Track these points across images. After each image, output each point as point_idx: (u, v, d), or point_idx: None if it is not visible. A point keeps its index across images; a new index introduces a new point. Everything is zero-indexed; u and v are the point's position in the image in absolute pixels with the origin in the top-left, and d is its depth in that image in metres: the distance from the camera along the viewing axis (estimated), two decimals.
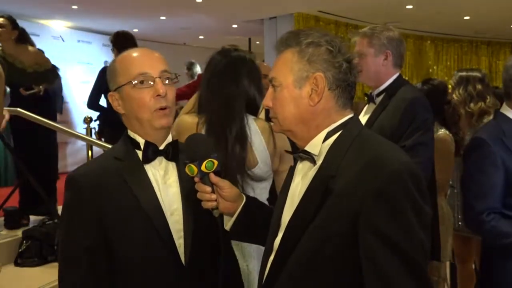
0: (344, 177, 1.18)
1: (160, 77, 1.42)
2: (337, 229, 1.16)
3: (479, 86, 3.19)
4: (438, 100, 3.05)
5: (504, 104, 2.08)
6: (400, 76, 2.48)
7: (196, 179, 1.38)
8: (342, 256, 1.17)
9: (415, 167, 1.19)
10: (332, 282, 1.18)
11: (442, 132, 3.06)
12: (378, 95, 2.46)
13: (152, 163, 1.46)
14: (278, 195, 1.45)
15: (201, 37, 11.16)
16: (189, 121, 2.11)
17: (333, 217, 1.17)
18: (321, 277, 1.19)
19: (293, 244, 1.23)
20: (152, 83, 1.41)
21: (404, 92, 2.38)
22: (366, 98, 2.58)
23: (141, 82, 1.41)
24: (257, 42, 11.09)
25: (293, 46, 1.29)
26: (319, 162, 1.26)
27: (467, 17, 9.28)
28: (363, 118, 2.50)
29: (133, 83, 1.41)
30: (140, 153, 1.46)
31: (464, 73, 3.32)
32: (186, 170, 1.37)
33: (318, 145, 1.28)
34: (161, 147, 1.47)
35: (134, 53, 1.47)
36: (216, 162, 1.36)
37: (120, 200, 1.40)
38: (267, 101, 1.33)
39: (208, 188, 1.38)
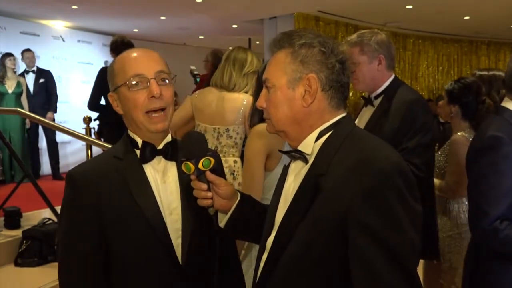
0: (334, 175, 1.18)
1: (155, 78, 1.42)
2: (326, 227, 1.16)
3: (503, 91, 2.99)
4: (471, 100, 2.89)
5: (507, 98, 1.93)
6: (396, 78, 2.50)
7: (193, 177, 1.39)
8: (332, 254, 1.17)
9: (405, 166, 1.19)
10: (323, 280, 1.18)
11: (459, 134, 2.90)
12: (376, 97, 2.47)
13: (151, 162, 1.46)
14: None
15: (201, 37, 11.15)
16: None
17: (322, 215, 1.17)
18: (312, 276, 1.19)
19: (285, 243, 1.23)
20: (147, 84, 1.41)
21: (403, 95, 2.39)
22: (363, 101, 2.59)
23: (136, 83, 1.41)
24: (257, 42, 11.07)
25: (286, 47, 1.29)
26: (311, 161, 1.27)
27: (467, 17, 9.26)
28: (361, 121, 2.52)
29: (128, 84, 1.41)
30: (139, 153, 1.46)
31: (484, 73, 3.07)
32: (183, 167, 1.37)
33: (310, 145, 1.28)
34: (160, 147, 1.48)
35: (131, 54, 1.47)
36: (212, 160, 1.37)
37: (118, 198, 1.41)
38: (260, 102, 1.34)
39: (204, 186, 1.38)
